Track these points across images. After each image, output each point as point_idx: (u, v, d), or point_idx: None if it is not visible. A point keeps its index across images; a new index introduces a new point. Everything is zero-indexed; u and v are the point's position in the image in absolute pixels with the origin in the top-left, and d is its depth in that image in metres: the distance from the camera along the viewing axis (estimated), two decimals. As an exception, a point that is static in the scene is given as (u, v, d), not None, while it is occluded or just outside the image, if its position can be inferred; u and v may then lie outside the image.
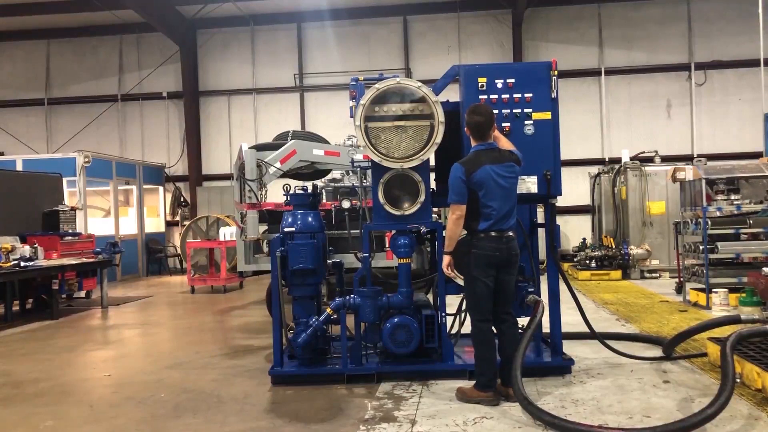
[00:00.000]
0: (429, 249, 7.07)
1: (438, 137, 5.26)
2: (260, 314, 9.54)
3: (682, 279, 9.60)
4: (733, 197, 8.93)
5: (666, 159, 13.93)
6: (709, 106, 16.27)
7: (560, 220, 7.95)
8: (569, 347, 5.92)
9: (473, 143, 4.94)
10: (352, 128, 5.58)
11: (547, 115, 5.42)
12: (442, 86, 5.55)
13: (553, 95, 5.42)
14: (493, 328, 4.92)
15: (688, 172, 9.21)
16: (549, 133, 5.42)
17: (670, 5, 16.37)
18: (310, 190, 6.02)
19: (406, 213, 5.39)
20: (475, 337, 4.88)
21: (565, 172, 6.70)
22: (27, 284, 10.30)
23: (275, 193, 7.84)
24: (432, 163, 5.62)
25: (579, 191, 15.29)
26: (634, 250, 12.32)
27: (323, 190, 9.68)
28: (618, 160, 13.74)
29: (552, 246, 5.57)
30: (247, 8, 16.77)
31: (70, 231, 11.80)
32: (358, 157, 6.74)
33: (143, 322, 9.45)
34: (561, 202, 5.71)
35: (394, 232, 5.58)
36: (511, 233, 4.88)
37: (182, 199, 17.79)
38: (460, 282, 5.24)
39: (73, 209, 12.38)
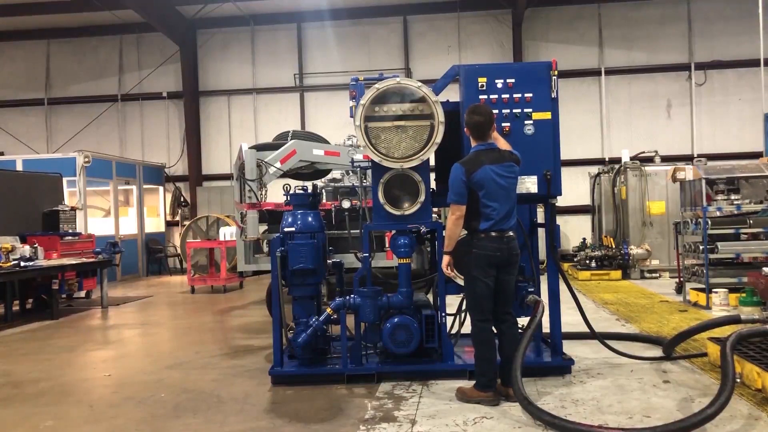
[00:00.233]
0: (429, 249, 7.07)
1: (438, 137, 5.26)
2: (260, 314, 9.55)
3: (682, 279, 9.60)
4: (733, 197, 8.93)
5: (666, 159, 13.92)
6: (709, 106, 16.27)
7: (560, 220, 7.96)
8: (569, 347, 5.92)
9: (473, 143, 4.94)
10: (352, 128, 5.58)
11: (547, 115, 5.42)
12: (442, 86, 5.55)
13: (553, 95, 5.42)
14: (493, 328, 4.92)
15: (688, 172, 9.21)
16: (549, 133, 5.42)
17: (670, 5, 16.37)
18: (310, 190, 6.02)
19: (406, 213, 5.39)
20: (475, 337, 4.88)
21: (565, 172, 6.69)
22: (27, 284, 10.30)
23: (275, 193, 7.85)
24: (432, 163, 5.62)
25: (579, 191, 15.29)
26: (634, 250, 12.32)
27: (323, 190, 9.68)
28: (618, 160, 13.74)
29: (552, 246, 5.57)
30: (247, 8, 16.77)
31: (70, 231, 11.80)
32: (358, 157, 6.73)
33: (143, 322, 9.45)
34: (561, 202, 5.71)
35: (394, 232, 5.58)
36: (511, 233, 4.88)
37: (182, 199, 17.79)
38: (460, 282, 5.24)
39: (73, 209, 12.38)
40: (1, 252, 9.20)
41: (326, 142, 9.26)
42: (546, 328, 5.75)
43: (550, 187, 5.39)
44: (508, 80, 5.42)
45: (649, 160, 13.43)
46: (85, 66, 18.22)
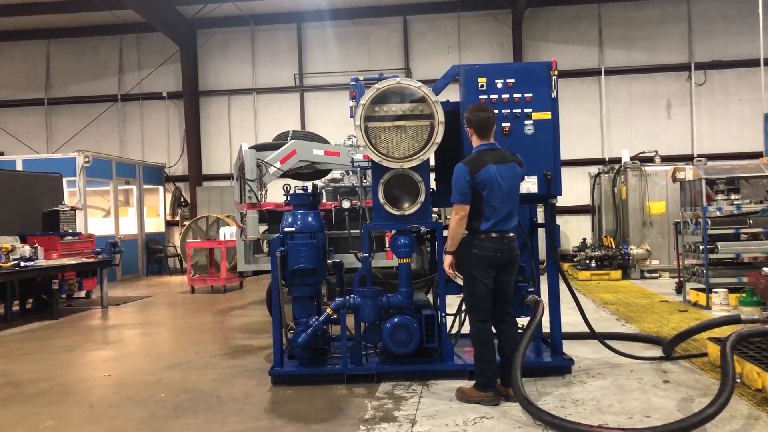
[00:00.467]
0: (429, 249, 7.07)
1: (438, 137, 5.26)
2: (260, 314, 9.54)
3: (682, 279, 9.60)
4: (733, 197, 8.93)
5: (666, 159, 13.92)
6: (709, 106, 16.27)
7: (560, 220, 7.97)
8: (569, 347, 5.92)
9: (475, 143, 4.93)
10: (352, 128, 5.58)
11: (547, 115, 5.42)
12: (442, 86, 5.55)
13: (553, 95, 5.42)
14: (492, 328, 4.92)
15: (688, 172, 9.21)
16: (549, 133, 5.42)
17: (670, 5, 16.37)
18: (310, 190, 6.02)
19: (406, 213, 5.39)
20: (475, 337, 4.88)
21: (565, 172, 6.69)
22: (27, 284, 10.29)
23: (275, 193, 7.85)
24: (432, 163, 5.62)
25: (579, 191, 15.28)
26: (634, 250, 12.32)
27: (323, 190, 9.68)
28: (618, 160, 13.73)
29: (552, 246, 5.57)
30: (247, 8, 16.77)
31: (70, 231, 11.80)
32: (358, 157, 6.73)
33: (143, 322, 9.45)
34: (561, 202, 5.72)
35: (394, 232, 5.58)
36: (512, 234, 4.88)
37: (182, 199, 17.79)
38: (460, 282, 5.24)
39: (73, 209, 12.38)
40: (1, 252, 9.19)
41: (326, 142, 9.26)
42: (546, 328, 5.74)
43: (550, 187, 5.39)
44: (508, 80, 5.42)
45: (649, 160, 13.42)
46: (85, 66, 18.22)
